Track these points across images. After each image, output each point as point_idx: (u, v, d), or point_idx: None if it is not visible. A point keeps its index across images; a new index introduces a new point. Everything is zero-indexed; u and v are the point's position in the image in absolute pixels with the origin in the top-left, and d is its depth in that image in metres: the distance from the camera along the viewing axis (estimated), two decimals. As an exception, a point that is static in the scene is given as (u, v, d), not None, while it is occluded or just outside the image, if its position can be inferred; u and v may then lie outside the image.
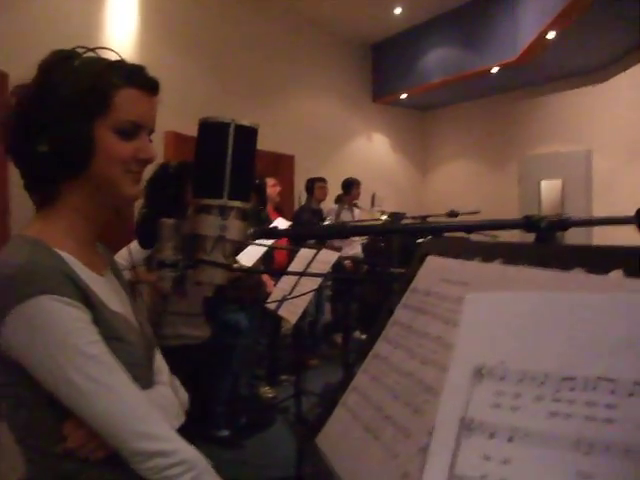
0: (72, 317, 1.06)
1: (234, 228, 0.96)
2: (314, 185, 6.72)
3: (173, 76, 6.03)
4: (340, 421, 0.98)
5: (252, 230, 1.00)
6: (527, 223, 0.93)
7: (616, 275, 0.60)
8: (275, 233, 1.04)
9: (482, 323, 0.53)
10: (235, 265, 1.01)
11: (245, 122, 0.97)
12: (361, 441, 0.88)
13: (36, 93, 1.13)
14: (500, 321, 0.52)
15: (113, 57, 1.21)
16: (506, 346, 0.50)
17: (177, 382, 1.35)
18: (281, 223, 4.53)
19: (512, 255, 0.81)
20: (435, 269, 1.00)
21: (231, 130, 0.95)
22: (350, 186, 7.01)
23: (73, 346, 1.04)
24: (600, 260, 0.64)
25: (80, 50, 1.18)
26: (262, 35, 7.73)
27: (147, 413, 1.10)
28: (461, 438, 0.47)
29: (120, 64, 1.18)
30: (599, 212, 7.42)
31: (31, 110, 1.12)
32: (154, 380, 1.31)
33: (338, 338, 7.02)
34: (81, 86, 1.11)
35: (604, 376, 0.43)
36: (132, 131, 1.17)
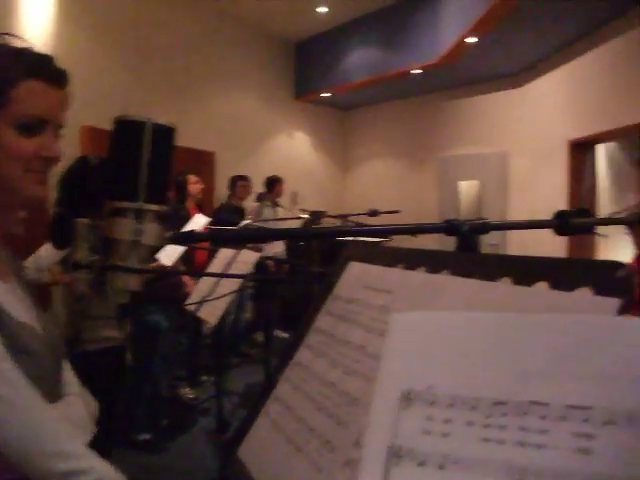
0: None
1: (150, 232, 0.91)
2: (236, 183, 6.66)
3: (91, 68, 5.82)
4: (262, 432, 0.95)
5: (169, 234, 0.95)
6: (449, 227, 0.92)
7: (542, 287, 0.59)
8: (194, 237, 0.99)
9: (409, 345, 0.51)
10: (153, 265, 0.97)
11: (162, 121, 0.93)
12: (284, 453, 0.85)
13: None
14: (428, 342, 0.50)
15: (21, 45, 1.12)
16: (435, 369, 0.48)
17: (86, 392, 1.28)
18: (200, 220, 4.45)
19: (436, 263, 0.80)
20: (357, 276, 0.98)
21: (147, 130, 0.90)
22: (273, 183, 7.00)
23: None
24: (525, 271, 0.64)
25: None
26: (183, 29, 7.57)
27: (57, 430, 1.03)
28: (390, 466, 0.45)
29: (25, 53, 1.09)
30: (515, 213, 7.65)
31: None
32: (63, 392, 1.24)
33: (259, 337, 6.99)
34: None
35: (536, 400, 0.42)
36: (35, 126, 1.07)
